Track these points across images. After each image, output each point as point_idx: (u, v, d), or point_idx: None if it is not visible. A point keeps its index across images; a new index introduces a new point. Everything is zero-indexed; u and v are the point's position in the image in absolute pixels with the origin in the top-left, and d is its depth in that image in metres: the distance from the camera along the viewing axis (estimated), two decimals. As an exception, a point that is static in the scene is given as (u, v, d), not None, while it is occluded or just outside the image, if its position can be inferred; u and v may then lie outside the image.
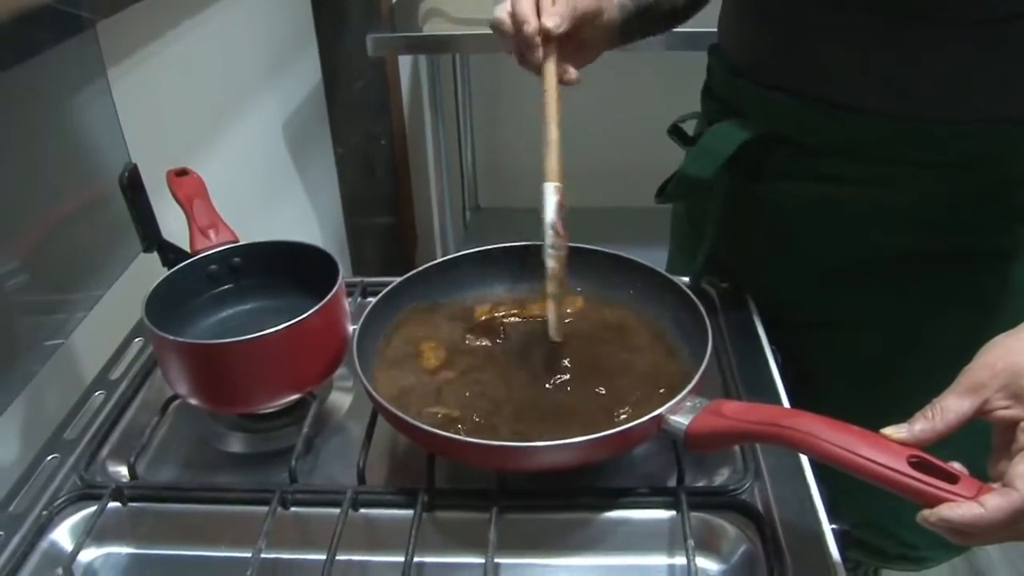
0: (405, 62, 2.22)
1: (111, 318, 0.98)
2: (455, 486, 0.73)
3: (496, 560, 0.66)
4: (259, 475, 0.77)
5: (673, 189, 0.92)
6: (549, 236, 0.76)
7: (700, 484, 0.74)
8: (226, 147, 1.44)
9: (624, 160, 2.24)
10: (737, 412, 0.67)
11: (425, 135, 1.90)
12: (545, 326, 0.80)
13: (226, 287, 0.89)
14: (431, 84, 1.90)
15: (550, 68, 0.78)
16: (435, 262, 0.88)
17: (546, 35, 0.76)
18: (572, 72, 0.79)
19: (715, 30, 0.96)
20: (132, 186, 0.96)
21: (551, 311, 0.78)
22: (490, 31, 0.80)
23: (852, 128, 0.80)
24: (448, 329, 0.86)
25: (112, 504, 0.73)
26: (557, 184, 0.76)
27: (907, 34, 0.74)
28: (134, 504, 0.74)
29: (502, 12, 0.78)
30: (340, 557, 0.66)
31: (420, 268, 0.87)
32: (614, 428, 0.67)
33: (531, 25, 0.76)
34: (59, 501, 0.74)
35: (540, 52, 0.77)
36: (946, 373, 0.84)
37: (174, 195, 0.95)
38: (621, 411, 0.74)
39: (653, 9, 0.90)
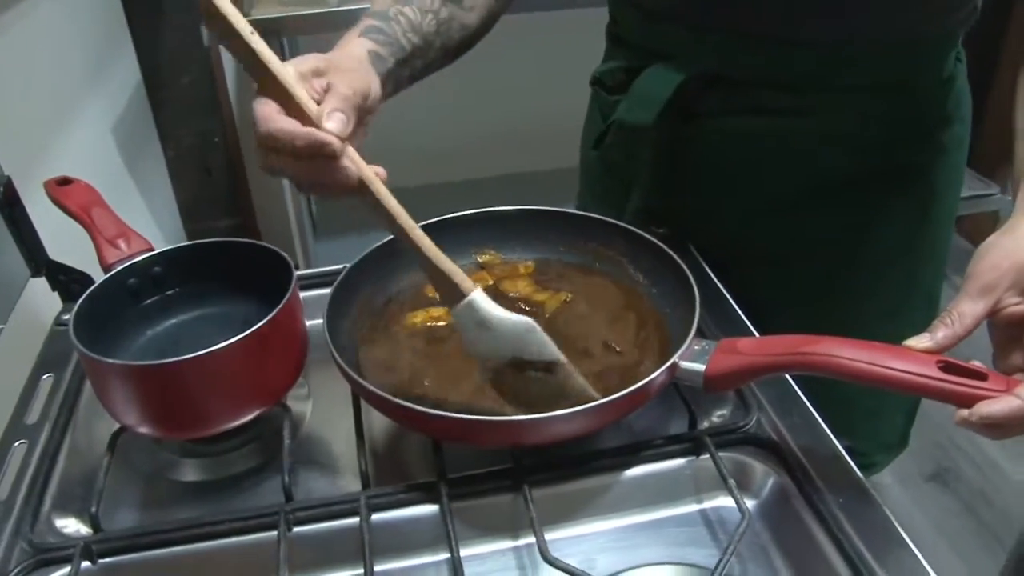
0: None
1: (6, 357, 0.83)
2: (468, 472, 0.67)
3: (530, 540, 0.61)
4: (228, 502, 0.68)
5: (613, 139, 0.89)
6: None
7: (706, 426, 0.72)
8: (50, 159, 1.27)
9: (515, 126, 2.22)
10: (753, 347, 0.66)
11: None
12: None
13: (151, 300, 0.78)
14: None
15: (371, 176, 0.59)
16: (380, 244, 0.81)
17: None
18: (382, 171, 0.60)
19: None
20: (8, 202, 0.82)
21: None
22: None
23: (784, 60, 0.80)
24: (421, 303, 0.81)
25: (83, 564, 0.62)
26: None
27: None
28: (106, 560, 0.63)
29: (270, 130, 0.56)
30: (378, 568, 0.59)
31: (371, 249, 0.80)
32: (627, 386, 0.63)
33: (335, 144, 0.56)
34: (12, 574, 0.61)
35: (349, 166, 0.57)
36: (890, 274, 0.90)
37: (62, 207, 0.83)
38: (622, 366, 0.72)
39: (415, 58, 0.72)
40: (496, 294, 0.82)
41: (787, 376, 0.75)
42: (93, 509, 0.64)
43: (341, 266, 0.78)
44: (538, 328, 0.62)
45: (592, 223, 0.84)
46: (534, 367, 0.63)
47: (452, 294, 0.61)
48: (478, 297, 0.61)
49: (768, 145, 0.86)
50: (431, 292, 0.82)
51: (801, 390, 0.75)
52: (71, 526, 0.66)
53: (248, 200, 2.15)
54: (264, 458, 0.72)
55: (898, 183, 0.86)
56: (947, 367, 0.59)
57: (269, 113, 0.56)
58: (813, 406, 0.73)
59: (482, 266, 0.86)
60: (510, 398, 0.65)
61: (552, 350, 0.63)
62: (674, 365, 0.66)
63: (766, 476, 0.68)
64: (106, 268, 0.77)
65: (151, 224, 1.79)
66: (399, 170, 0.72)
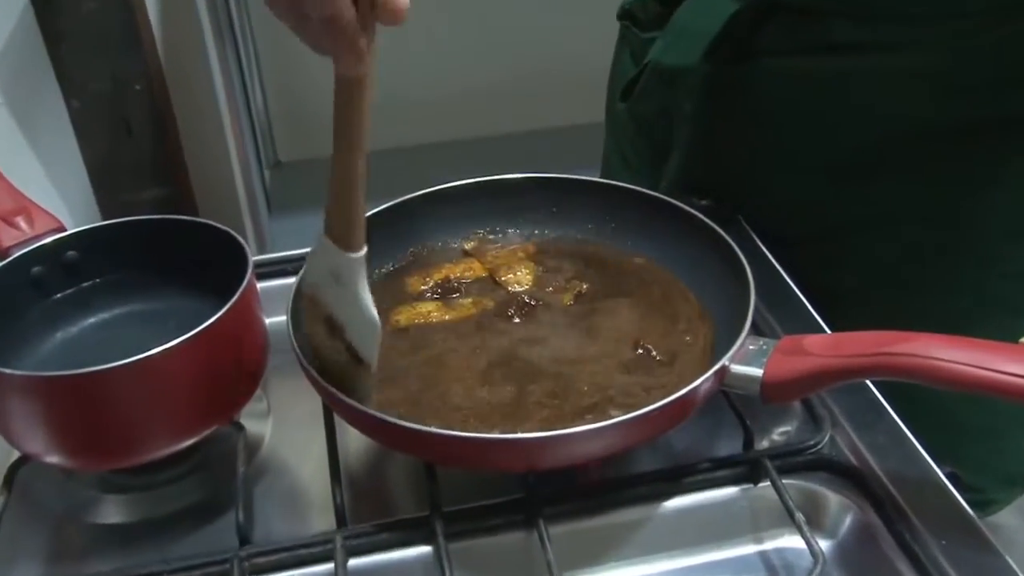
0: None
1: None
2: (469, 503, 0.70)
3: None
4: (165, 549, 0.71)
5: (647, 87, 0.92)
6: None
7: (766, 446, 0.75)
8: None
9: (525, 72, 2.25)
10: (824, 346, 0.69)
11: (209, 68, 1.81)
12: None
13: (63, 293, 0.82)
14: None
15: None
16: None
17: None
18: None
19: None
20: None
21: None
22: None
23: None
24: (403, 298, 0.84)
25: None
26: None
27: None
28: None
29: None
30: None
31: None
32: (664, 396, 0.66)
33: None
34: None
35: None
36: (1003, 254, 0.92)
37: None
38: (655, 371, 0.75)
39: None
40: (493, 288, 0.85)
41: (868, 383, 0.78)
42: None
43: (307, 250, 0.81)
44: (379, 333, 0.70)
45: (618, 194, 0.88)
46: (348, 346, 0.70)
47: (344, 237, 0.67)
48: (358, 262, 0.68)
49: (843, 91, 0.88)
50: (419, 284, 0.85)
51: (888, 401, 0.77)
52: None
53: (181, 165, 2.18)
54: (212, 491, 0.75)
55: (1014, 139, 0.88)
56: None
57: None
58: (904, 422, 0.75)
59: (467, 253, 0.90)
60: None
61: (371, 354, 0.70)
62: (723, 369, 0.69)
63: (844, 510, 0.71)
64: (1, 253, 0.79)
65: (52, 196, 1.81)
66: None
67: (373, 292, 0.84)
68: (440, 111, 2.35)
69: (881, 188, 0.91)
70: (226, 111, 1.86)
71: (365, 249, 0.68)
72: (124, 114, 2.01)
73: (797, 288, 0.89)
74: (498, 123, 2.39)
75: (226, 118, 1.87)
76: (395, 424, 0.65)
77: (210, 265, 0.77)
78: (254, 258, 0.76)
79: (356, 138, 0.63)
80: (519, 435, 0.66)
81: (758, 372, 0.69)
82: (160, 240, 0.81)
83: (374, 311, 0.69)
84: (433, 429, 0.65)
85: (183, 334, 0.68)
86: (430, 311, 0.83)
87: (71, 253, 0.81)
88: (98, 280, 0.82)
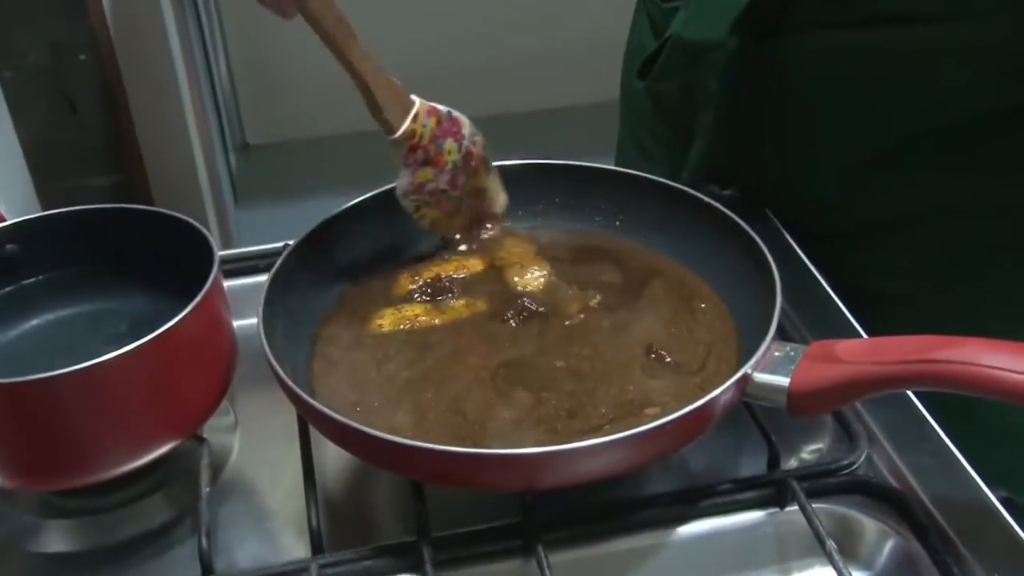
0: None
1: None
2: (461, 528, 0.70)
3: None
4: None
5: (668, 63, 0.92)
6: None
7: (794, 465, 0.76)
8: None
9: (531, 48, 2.26)
10: (859, 352, 0.69)
11: (165, 35, 1.80)
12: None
13: (1, 292, 0.82)
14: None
15: None
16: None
17: None
18: None
19: None
20: None
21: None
22: None
23: None
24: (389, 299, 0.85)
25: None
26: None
27: None
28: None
29: None
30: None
31: (322, 221, 0.84)
32: (680, 407, 0.66)
33: None
34: None
35: None
36: None
37: None
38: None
39: None
40: (489, 288, 0.86)
41: (910, 395, 0.79)
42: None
43: (280, 244, 0.82)
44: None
45: (632, 184, 0.88)
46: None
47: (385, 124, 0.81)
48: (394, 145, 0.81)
49: (888, 68, 0.88)
50: (407, 283, 0.86)
51: (933, 415, 0.77)
52: None
53: (133, 147, 2.17)
54: (172, 514, 0.75)
55: None
56: None
57: None
58: (952, 438, 0.75)
59: (462, 248, 0.90)
60: None
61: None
62: (745, 378, 0.69)
63: (882, 538, 0.71)
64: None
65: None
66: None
67: (358, 294, 0.85)
68: (431, 89, 2.31)
69: (934, 181, 0.91)
70: (185, 85, 1.85)
71: (400, 130, 0.80)
72: (66, 88, 2.01)
73: (830, 288, 0.90)
74: (495, 103, 2.38)
75: (185, 93, 1.86)
76: (372, 436, 0.65)
77: (169, 261, 0.78)
78: (220, 253, 0.77)
79: (342, 33, 0.76)
80: (516, 451, 0.67)
81: (784, 381, 0.69)
82: (111, 232, 0.81)
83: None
84: (421, 443, 0.65)
85: (138, 339, 0.67)
86: (417, 315, 0.83)
87: (9, 247, 0.81)
88: (40, 277, 0.82)
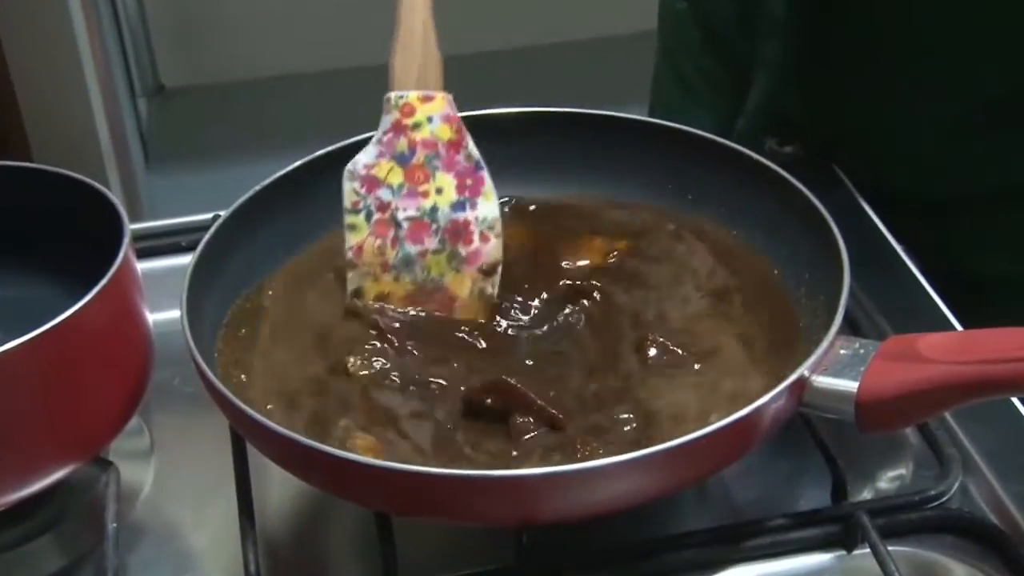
0: None
1: None
2: (437, 573, 0.72)
3: None
4: None
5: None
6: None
7: (866, 496, 0.77)
8: None
9: None
10: (949, 349, 0.69)
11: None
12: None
13: None
14: None
15: None
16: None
17: None
18: None
19: None
20: None
21: None
22: None
23: None
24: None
25: None
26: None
27: None
28: None
29: None
30: None
31: (260, 187, 0.86)
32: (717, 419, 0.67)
33: None
34: None
35: None
36: None
37: None
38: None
39: None
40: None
41: (1016, 403, 0.80)
42: None
43: (208, 215, 0.83)
44: None
45: (668, 138, 0.89)
46: None
47: None
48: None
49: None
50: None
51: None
52: None
53: (9, 96, 2.18)
54: (67, 560, 0.77)
55: None
56: None
57: None
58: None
59: None
60: None
61: None
62: (800, 381, 0.70)
63: (976, 587, 0.72)
64: None
65: None
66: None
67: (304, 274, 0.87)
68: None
69: None
70: (79, 10, 1.84)
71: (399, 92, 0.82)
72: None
73: (916, 270, 0.91)
74: (496, 36, 2.42)
75: (79, 23, 1.85)
76: (328, 454, 0.66)
77: (62, 236, 0.79)
78: (131, 227, 0.77)
79: None
80: (510, 472, 0.68)
81: (852, 386, 0.69)
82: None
83: None
84: (391, 464, 0.66)
85: (23, 333, 0.68)
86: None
87: None
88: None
